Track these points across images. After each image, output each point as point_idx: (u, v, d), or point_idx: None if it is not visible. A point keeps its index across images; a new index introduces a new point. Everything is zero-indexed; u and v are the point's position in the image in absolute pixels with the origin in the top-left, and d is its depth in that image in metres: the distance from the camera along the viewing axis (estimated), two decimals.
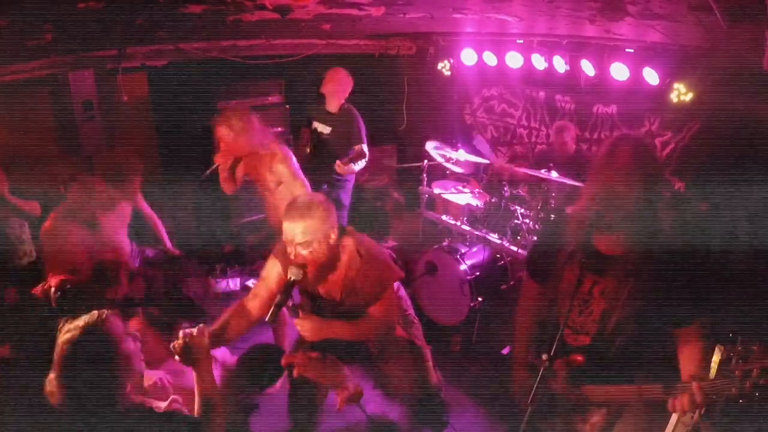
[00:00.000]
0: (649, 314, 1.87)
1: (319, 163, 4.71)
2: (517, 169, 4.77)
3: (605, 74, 4.23)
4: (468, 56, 5.29)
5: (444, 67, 5.81)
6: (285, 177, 3.40)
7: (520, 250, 4.24)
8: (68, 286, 2.69)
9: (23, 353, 2.37)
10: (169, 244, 4.06)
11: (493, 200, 4.54)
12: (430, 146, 5.01)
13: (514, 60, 4.87)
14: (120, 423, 1.82)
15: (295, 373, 2.42)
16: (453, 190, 4.97)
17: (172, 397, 2.07)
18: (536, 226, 4.22)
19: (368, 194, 6.05)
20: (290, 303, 2.39)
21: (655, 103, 4.42)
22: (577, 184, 4.04)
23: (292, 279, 2.28)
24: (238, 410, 2.49)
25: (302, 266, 2.29)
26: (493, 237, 4.43)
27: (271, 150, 3.41)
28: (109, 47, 4.29)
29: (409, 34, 5.85)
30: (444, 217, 4.95)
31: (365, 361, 2.73)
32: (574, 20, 3.76)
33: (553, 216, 4.16)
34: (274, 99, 5.52)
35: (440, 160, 5.02)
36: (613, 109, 5.01)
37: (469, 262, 4.18)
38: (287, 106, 5.56)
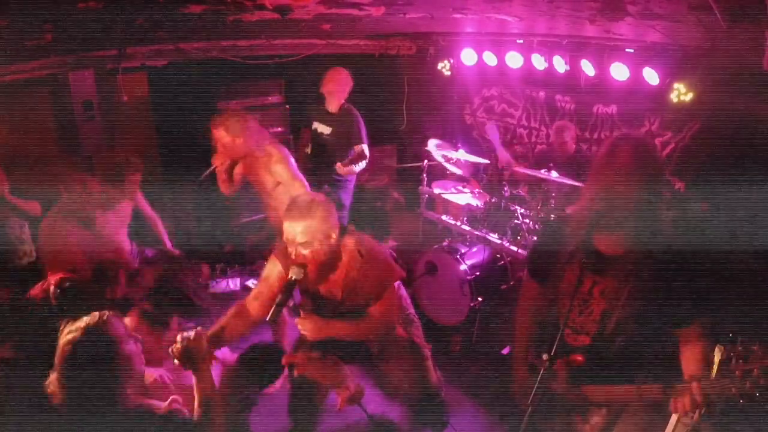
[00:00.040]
0: (649, 314, 1.87)
1: (319, 163, 4.71)
2: (518, 168, 4.77)
3: (605, 74, 4.23)
4: (468, 56, 5.29)
5: (444, 67, 5.81)
6: (283, 178, 3.40)
7: (520, 250, 4.24)
8: (67, 284, 2.68)
9: (23, 353, 2.37)
10: (169, 244, 4.06)
11: (493, 200, 4.54)
12: (431, 145, 5.01)
13: (514, 60, 4.87)
14: (120, 423, 1.83)
15: (295, 372, 2.43)
16: (453, 190, 4.97)
17: (172, 397, 2.07)
18: (536, 226, 4.22)
19: (368, 194, 6.05)
20: (291, 302, 2.40)
21: (655, 103, 4.42)
22: (577, 184, 4.04)
23: (293, 279, 2.28)
24: (238, 409, 2.49)
25: (303, 266, 2.30)
26: (493, 237, 4.43)
27: (268, 151, 3.41)
28: (109, 47, 4.29)
29: (409, 34, 5.85)
30: (444, 217, 4.95)
31: (365, 360, 2.73)
32: (574, 20, 3.76)
33: (553, 216, 4.16)
34: (274, 99, 5.52)
35: (441, 160, 5.02)
36: (613, 109, 5.01)
37: (469, 262, 4.18)
38: (287, 106, 5.56)
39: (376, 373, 2.89)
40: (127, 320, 2.38)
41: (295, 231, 2.25)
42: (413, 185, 5.38)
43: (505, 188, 4.45)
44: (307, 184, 3.49)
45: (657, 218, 1.82)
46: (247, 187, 3.77)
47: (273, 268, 2.49)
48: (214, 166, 3.48)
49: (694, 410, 1.65)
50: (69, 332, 1.82)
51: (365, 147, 4.62)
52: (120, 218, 3.67)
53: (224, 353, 2.64)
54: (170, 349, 2.08)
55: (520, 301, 2.30)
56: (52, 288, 2.62)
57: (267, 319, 2.29)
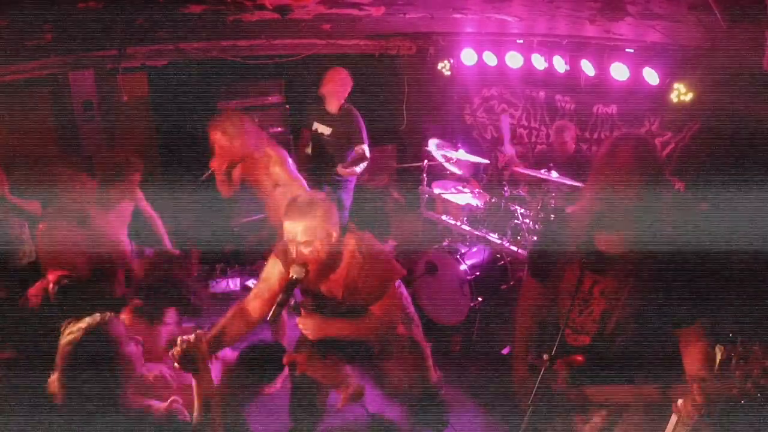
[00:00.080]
0: (650, 314, 1.87)
1: (319, 164, 4.71)
2: (518, 168, 4.77)
3: (605, 74, 4.23)
4: (468, 56, 5.29)
5: (444, 67, 5.81)
6: (281, 179, 3.39)
7: (520, 250, 4.24)
8: (65, 282, 2.68)
9: (24, 353, 2.37)
10: (168, 244, 4.06)
11: (493, 200, 4.54)
12: (431, 145, 5.02)
13: (514, 60, 4.87)
14: (120, 424, 1.83)
15: (297, 372, 2.43)
16: (453, 190, 4.98)
17: (172, 398, 2.07)
18: (536, 226, 4.22)
19: (368, 194, 6.05)
20: (292, 301, 2.39)
21: (655, 103, 4.42)
22: (577, 184, 4.04)
23: (294, 278, 2.28)
24: (238, 408, 2.49)
25: (305, 265, 2.30)
26: (493, 237, 4.43)
27: (266, 153, 3.41)
28: (109, 47, 4.29)
29: (409, 34, 5.85)
30: (444, 217, 4.95)
31: (366, 360, 2.73)
32: (574, 20, 3.76)
33: (553, 216, 4.16)
34: (274, 99, 5.51)
35: (441, 160, 5.02)
36: (613, 109, 5.01)
37: (469, 262, 4.18)
38: (287, 106, 5.56)
39: (376, 372, 2.89)
40: (123, 317, 2.38)
41: (296, 230, 2.25)
42: (413, 185, 5.38)
43: (505, 188, 4.45)
44: (306, 184, 3.49)
45: (657, 218, 1.82)
46: (247, 187, 3.77)
47: (273, 268, 2.49)
48: (211, 169, 3.48)
49: (698, 413, 1.64)
50: (70, 333, 1.82)
51: (366, 147, 4.62)
52: (120, 218, 3.67)
53: (224, 352, 2.64)
54: (170, 353, 2.07)
55: (520, 301, 2.30)
56: (50, 285, 2.62)
57: (268, 318, 2.29)
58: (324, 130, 4.71)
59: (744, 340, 1.60)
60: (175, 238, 4.16)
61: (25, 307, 2.65)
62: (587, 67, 4.37)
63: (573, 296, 1.93)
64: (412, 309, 2.87)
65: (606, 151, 1.87)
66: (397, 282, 2.61)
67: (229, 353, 2.65)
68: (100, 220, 3.47)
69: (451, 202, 4.91)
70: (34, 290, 2.73)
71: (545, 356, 1.86)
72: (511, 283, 4.30)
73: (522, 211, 4.31)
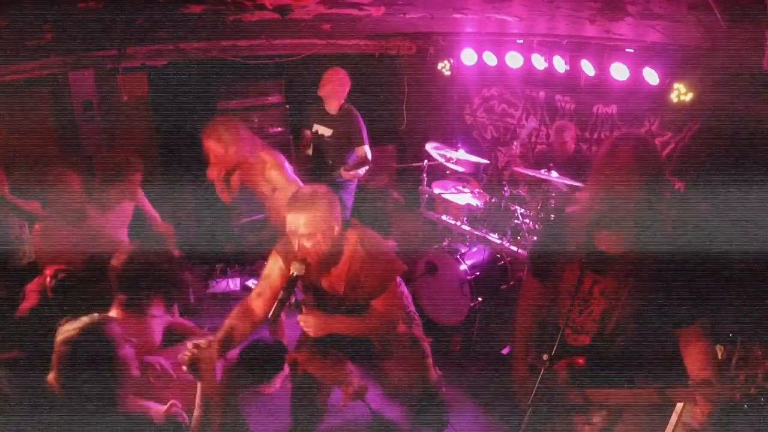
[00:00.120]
0: (650, 314, 1.87)
1: (320, 165, 4.71)
2: (518, 168, 4.77)
3: (605, 74, 4.23)
4: (468, 56, 5.29)
5: (444, 67, 5.81)
6: (279, 183, 3.38)
7: (520, 250, 4.24)
8: (63, 276, 2.67)
9: (23, 353, 2.37)
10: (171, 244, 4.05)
11: (493, 200, 4.54)
12: (429, 148, 5.01)
13: (514, 60, 4.87)
14: (120, 423, 1.83)
15: (298, 370, 2.42)
16: (453, 190, 4.97)
17: (171, 401, 2.07)
18: (536, 226, 4.22)
19: (368, 194, 6.05)
20: (293, 299, 2.39)
21: (655, 103, 4.42)
22: (577, 184, 4.04)
23: (294, 275, 2.28)
24: (238, 408, 2.49)
25: (305, 261, 2.29)
26: (493, 237, 4.43)
27: (262, 158, 3.40)
28: (109, 47, 4.29)
29: (409, 34, 5.85)
30: (444, 217, 4.95)
31: (366, 359, 2.73)
32: (574, 20, 3.76)
33: (553, 216, 4.16)
34: (274, 99, 5.51)
35: (440, 160, 5.02)
36: (613, 109, 5.01)
37: (469, 262, 4.18)
38: (287, 106, 5.55)
39: (376, 372, 2.88)
40: (112, 313, 2.37)
41: (299, 222, 2.24)
42: (413, 185, 5.38)
43: (505, 188, 4.45)
44: (303, 185, 3.48)
45: (657, 218, 1.82)
46: (247, 190, 3.76)
47: (274, 265, 2.49)
48: (209, 180, 3.47)
49: (706, 418, 1.64)
50: (66, 330, 1.81)
51: (367, 148, 4.62)
52: (120, 218, 3.66)
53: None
54: (180, 357, 2.06)
55: (521, 301, 2.30)
56: (48, 279, 2.61)
57: (269, 316, 2.29)
58: (324, 131, 4.70)
59: (744, 340, 1.60)
60: (175, 239, 4.15)
61: (25, 307, 2.64)
62: (587, 67, 4.37)
63: (573, 296, 1.93)
64: (412, 308, 2.87)
65: (606, 151, 1.87)
66: (398, 281, 2.61)
67: (229, 353, 2.65)
68: (101, 220, 3.47)
69: (451, 202, 4.90)
70: (32, 286, 2.73)
71: (545, 356, 1.85)
72: (511, 283, 4.30)
73: (522, 211, 4.31)
